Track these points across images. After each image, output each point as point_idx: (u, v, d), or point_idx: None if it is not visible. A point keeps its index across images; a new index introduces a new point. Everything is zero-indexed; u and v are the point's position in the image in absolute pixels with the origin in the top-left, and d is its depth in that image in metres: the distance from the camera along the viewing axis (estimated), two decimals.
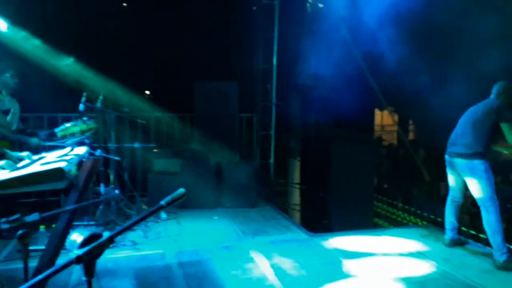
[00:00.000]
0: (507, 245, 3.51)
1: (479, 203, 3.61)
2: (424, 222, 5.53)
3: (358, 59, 6.85)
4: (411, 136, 11.11)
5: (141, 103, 6.46)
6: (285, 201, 6.88)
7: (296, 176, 6.97)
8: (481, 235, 4.71)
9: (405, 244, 4.18)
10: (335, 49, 6.31)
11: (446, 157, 3.88)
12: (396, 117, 9.98)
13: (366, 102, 8.10)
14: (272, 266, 3.62)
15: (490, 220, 3.50)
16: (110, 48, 7.31)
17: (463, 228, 5.57)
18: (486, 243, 4.49)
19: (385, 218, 6.55)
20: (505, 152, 4.05)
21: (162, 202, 1.23)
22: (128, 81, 6.41)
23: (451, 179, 3.96)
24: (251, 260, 3.78)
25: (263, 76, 6.89)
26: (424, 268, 3.56)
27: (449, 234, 4.03)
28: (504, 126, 3.46)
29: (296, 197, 6.84)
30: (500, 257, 3.43)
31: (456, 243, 4.03)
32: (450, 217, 4.03)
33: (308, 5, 7.10)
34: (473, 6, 6.18)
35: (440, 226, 5.22)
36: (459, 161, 3.69)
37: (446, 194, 6.35)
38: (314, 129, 7.28)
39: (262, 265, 3.65)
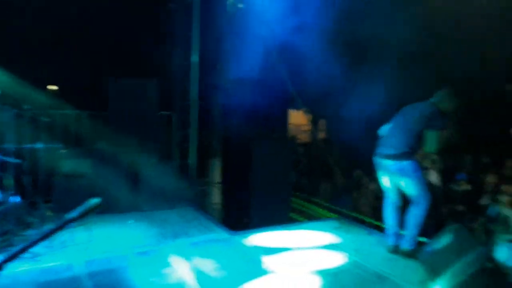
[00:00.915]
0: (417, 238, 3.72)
1: (412, 200, 3.63)
2: (336, 215, 5.90)
3: (275, 60, 7.04)
4: (323, 135, 11.79)
5: (45, 99, 5.88)
6: (207, 201, 6.80)
7: (218, 175, 6.94)
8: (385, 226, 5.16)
9: (320, 237, 4.39)
10: (254, 49, 6.40)
11: (376, 158, 3.82)
12: (310, 117, 10.49)
13: (283, 101, 8.38)
14: (193, 269, 3.54)
15: (417, 214, 3.59)
16: (11, 39, 6.51)
17: (366, 219, 6.07)
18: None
19: (301, 213, 6.85)
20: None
21: (71, 216, 1.08)
22: (31, 74, 5.78)
23: (384, 180, 3.85)
24: (170, 264, 3.65)
25: (183, 74, 6.73)
26: (337, 259, 3.77)
27: (390, 240, 3.85)
28: (430, 134, 3.47)
29: (217, 196, 6.81)
30: (409, 246, 3.67)
31: (396, 250, 3.81)
32: (389, 221, 3.88)
33: (228, 4, 7.10)
34: (384, 16, 6.76)
35: (350, 218, 5.63)
36: (388, 163, 3.66)
37: (355, 188, 6.81)
38: (235, 128, 7.32)
39: (181, 269, 3.55)
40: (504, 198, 5.30)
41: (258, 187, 5.91)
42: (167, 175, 5.49)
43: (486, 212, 5.67)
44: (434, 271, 3.19)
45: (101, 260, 3.74)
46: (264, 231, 4.56)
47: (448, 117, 3.62)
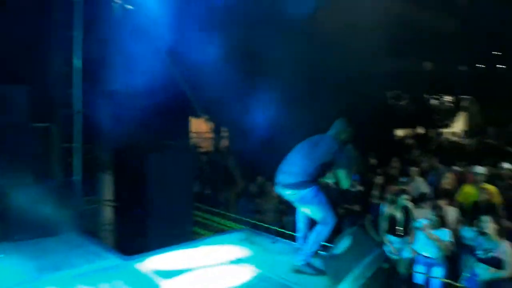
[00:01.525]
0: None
1: (319, 222, 3.58)
2: (241, 226, 5.74)
3: (171, 66, 6.67)
4: (225, 142, 11.68)
5: None
6: (96, 222, 6.06)
7: (109, 193, 6.25)
8: (288, 232, 5.17)
9: (224, 251, 4.17)
10: (147, 54, 5.95)
11: (276, 188, 3.76)
12: (211, 125, 10.29)
13: (181, 109, 8.05)
14: None
15: (322, 231, 3.54)
16: None
17: (271, 227, 6.06)
18: (293, 239, 4.92)
19: (206, 226, 6.55)
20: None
21: None
22: None
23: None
24: None
25: (64, 80, 5.93)
26: (243, 274, 3.59)
27: (299, 242, 3.85)
28: (341, 172, 3.53)
29: (109, 216, 6.12)
30: (302, 261, 3.58)
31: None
32: (299, 224, 3.88)
33: (115, 5, 6.51)
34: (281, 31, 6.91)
35: (254, 227, 5.52)
36: (288, 192, 3.61)
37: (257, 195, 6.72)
38: (128, 139, 6.79)
39: None
40: (390, 197, 5.75)
41: (156, 202, 5.46)
42: (45, 196, 4.70)
43: (375, 210, 6.09)
44: (336, 277, 3.20)
45: None
46: (164, 252, 4.16)
47: (350, 149, 3.71)
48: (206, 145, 12.45)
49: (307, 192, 3.49)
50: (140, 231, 5.13)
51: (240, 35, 7.43)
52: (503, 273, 4.21)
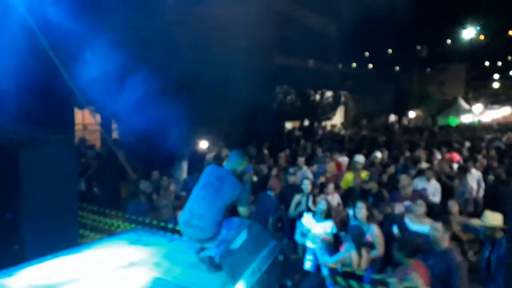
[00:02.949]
0: None
1: None
2: (134, 226, 5.41)
3: (46, 49, 5.91)
4: (115, 135, 10.86)
5: None
6: None
7: None
8: None
9: (115, 256, 3.85)
10: (15, 35, 5.16)
11: (188, 240, 3.68)
12: (98, 117, 9.46)
13: (63, 98, 7.27)
14: None
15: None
16: None
17: (167, 225, 5.84)
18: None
19: (94, 229, 5.99)
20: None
21: None
22: None
23: None
24: None
25: None
26: (137, 279, 3.36)
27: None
28: (242, 209, 3.62)
29: None
30: (211, 253, 3.54)
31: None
32: None
33: None
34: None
35: (148, 226, 5.26)
36: (205, 245, 3.54)
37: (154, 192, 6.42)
38: None
39: None
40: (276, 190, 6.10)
41: (31, 204, 4.81)
42: None
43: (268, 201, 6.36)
44: (233, 272, 3.21)
45: None
46: (42, 261, 3.67)
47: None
48: (93, 139, 11.43)
49: (221, 234, 3.51)
50: (13, 238, 4.44)
51: (128, 19, 6.96)
52: (374, 253, 4.80)
